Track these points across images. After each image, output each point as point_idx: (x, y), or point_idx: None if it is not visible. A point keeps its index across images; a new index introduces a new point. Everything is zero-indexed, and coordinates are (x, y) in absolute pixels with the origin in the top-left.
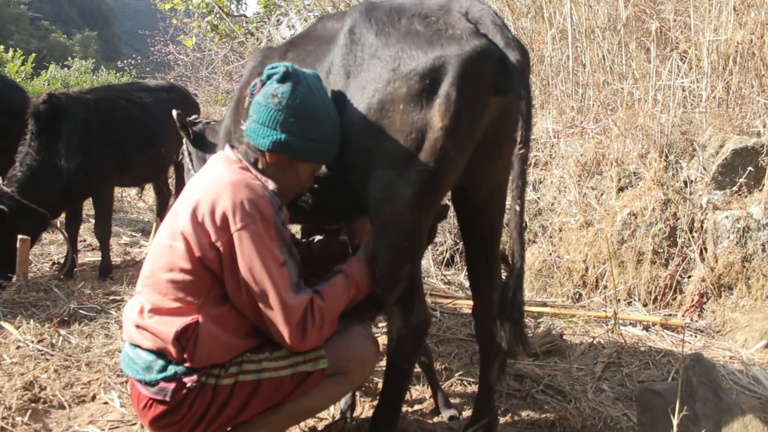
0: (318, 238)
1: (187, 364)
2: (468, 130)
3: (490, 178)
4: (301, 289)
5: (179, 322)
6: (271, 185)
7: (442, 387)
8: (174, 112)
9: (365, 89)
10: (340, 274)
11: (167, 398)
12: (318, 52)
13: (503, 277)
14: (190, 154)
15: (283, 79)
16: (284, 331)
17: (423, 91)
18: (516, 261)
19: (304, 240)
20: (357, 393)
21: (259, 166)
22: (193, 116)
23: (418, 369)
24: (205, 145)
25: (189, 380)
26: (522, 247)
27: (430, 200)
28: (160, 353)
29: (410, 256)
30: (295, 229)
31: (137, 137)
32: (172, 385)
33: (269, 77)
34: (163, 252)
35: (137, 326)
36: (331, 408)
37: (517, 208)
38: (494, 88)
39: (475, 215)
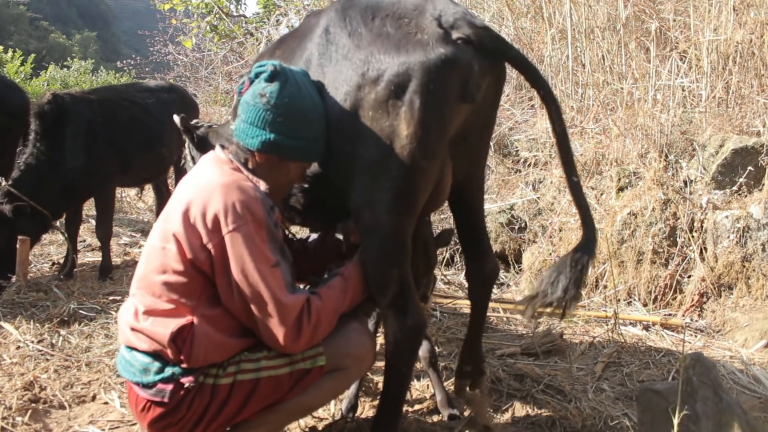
0: (313, 236)
1: (184, 365)
2: (435, 137)
3: (463, 165)
4: (296, 290)
5: (174, 324)
6: (262, 186)
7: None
8: (177, 117)
9: (338, 91)
10: (338, 277)
11: (165, 399)
12: (298, 49)
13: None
14: (192, 158)
15: (271, 78)
16: (279, 331)
17: (389, 98)
18: (589, 230)
19: (298, 238)
20: (359, 394)
21: (249, 165)
22: (195, 120)
23: (419, 366)
24: (208, 149)
25: (187, 381)
26: (590, 215)
27: (408, 205)
28: (156, 355)
29: (397, 260)
30: (295, 229)
31: (139, 138)
32: (169, 386)
33: (257, 75)
34: (155, 254)
35: (132, 329)
36: (332, 407)
37: (575, 179)
38: (460, 95)
39: (457, 196)
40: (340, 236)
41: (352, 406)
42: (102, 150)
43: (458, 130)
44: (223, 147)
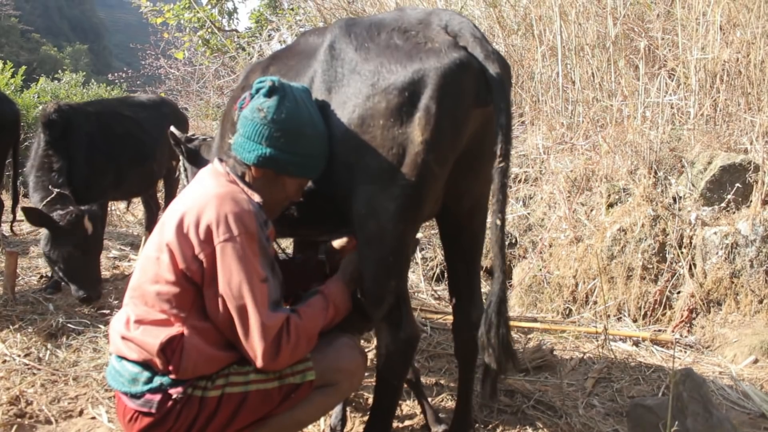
0: (298, 256)
1: (172, 376)
2: (450, 143)
3: (471, 191)
4: (279, 308)
5: (164, 333)
6: (256, 198)
7: (433, 402)
8: (170, 130)
9: (345, 105)
10: (318, 295)
11: (153, 410)
12: (299, 67)
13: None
14: (186, 170)
15: (269, 93)
16: (258, 348)
17: (403, 106)
18: (497, 276)
19: (284, 258)
20: (347, 408)
21: (246, 179)
22: (191, 133)
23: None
24: (200, 162)
25: (175, 392)
26: (503, 261)
27: (414, 214)
28: (145, 365)
29: (396, 272)
30: (285, 243)
31: (132, 151)
32: (157, 397)
33: (257, 91)
34: (149, 264)
35: (123, 338)
36: (321, 423)
37: (498, 222)
38: (475, 100)
39: (456, 229)
40: (322, 257)
41: (341, 421)
42: (100, 163)
43: (467, 146)
44: (221, 160)
